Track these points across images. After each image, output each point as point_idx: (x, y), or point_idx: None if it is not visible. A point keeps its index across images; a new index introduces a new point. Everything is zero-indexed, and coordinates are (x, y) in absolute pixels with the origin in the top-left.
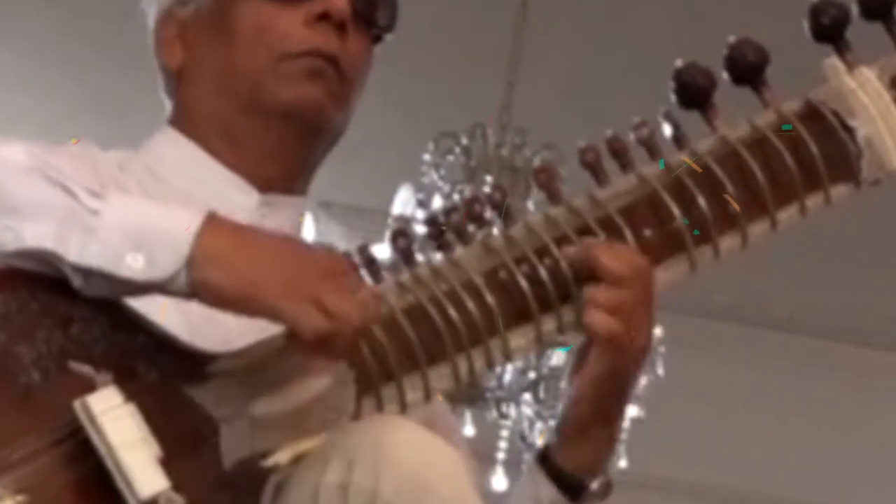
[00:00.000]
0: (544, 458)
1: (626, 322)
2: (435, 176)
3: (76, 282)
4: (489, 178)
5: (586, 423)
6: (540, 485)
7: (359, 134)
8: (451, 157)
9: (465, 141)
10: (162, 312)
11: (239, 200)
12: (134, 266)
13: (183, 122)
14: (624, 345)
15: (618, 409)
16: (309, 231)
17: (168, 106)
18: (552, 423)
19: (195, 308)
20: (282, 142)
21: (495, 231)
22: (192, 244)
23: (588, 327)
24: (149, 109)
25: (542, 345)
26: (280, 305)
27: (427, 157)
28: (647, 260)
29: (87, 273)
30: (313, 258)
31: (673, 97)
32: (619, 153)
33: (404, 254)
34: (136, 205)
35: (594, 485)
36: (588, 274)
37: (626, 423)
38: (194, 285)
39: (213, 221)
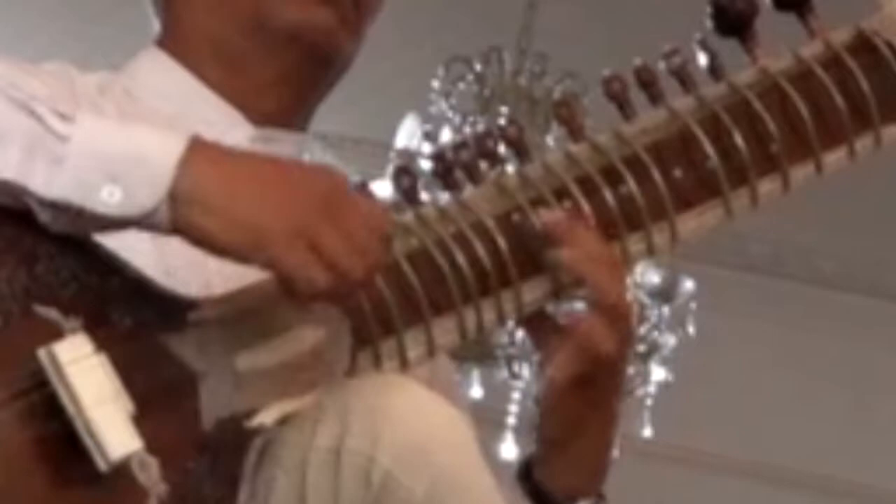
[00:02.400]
0: (525, 473)
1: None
2: (444, 105)
3: (42, 216)
4: (504, 110)
5: (561, 439)
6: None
7: (359, 56)
8: (462, 85)
9: (478, 67)
10: (137, 251)
11: (230, 134)
12: (109, 201)
13: (172, 43)
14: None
15: (599, 419)
16: None
17: (156, 24)
18: None
19: (175, 246)
20: (284, 71)
21: (510, 169)
22: (174, 175)
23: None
24: (125, 22)
25: (560, 298)
26: (278, 256)
27: (436, 83)
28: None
29: (55, 207)
30: (312, 186)
31: (709, 23)
32: (648, 84)
33: (408, 192)
34: (109, 129)
35: None
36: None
37: (651, 388)
38: (177, 224)
39: (198, 148)
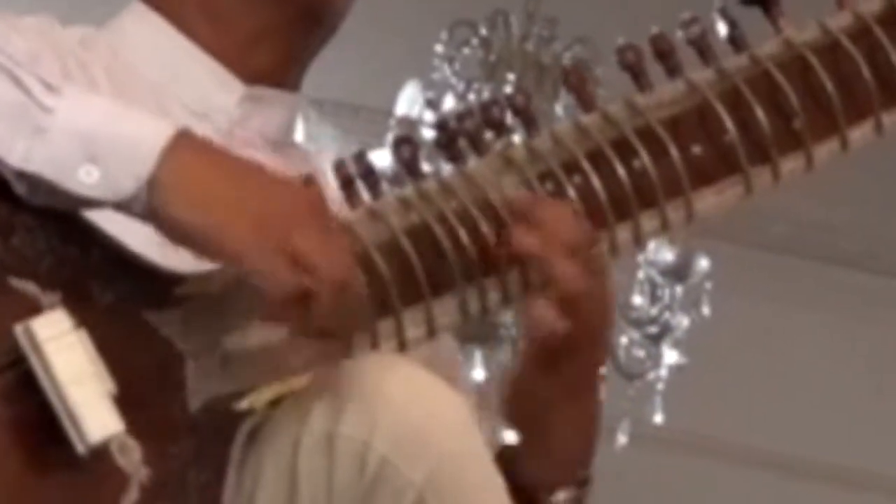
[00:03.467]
0: (500, 463)
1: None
2: (447, 71)
3: (19, 188)
4: (511, 77)
5: (532, 432)
6: None
7: (357, 18)
8: (466, 50)
9: (483, 31)
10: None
11: (219, 94)
12: (86, 180)
13: None
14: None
15: (571, 409)
16: (298, 133)
17: None
18: None
19: None
20: (274, 24)
21: (516, 140)
22: (156, 164)
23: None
24: None
25: None
26: (244, 252)
27: (439, 48)
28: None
29: (30, 180)
30: (289, 193)
31: None
32: (664, 54)
33: (408, 164)
34: (97, 105)
35: (559, 497)
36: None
37: (663, 372)
38: (152, 212)
39: (184, 138)
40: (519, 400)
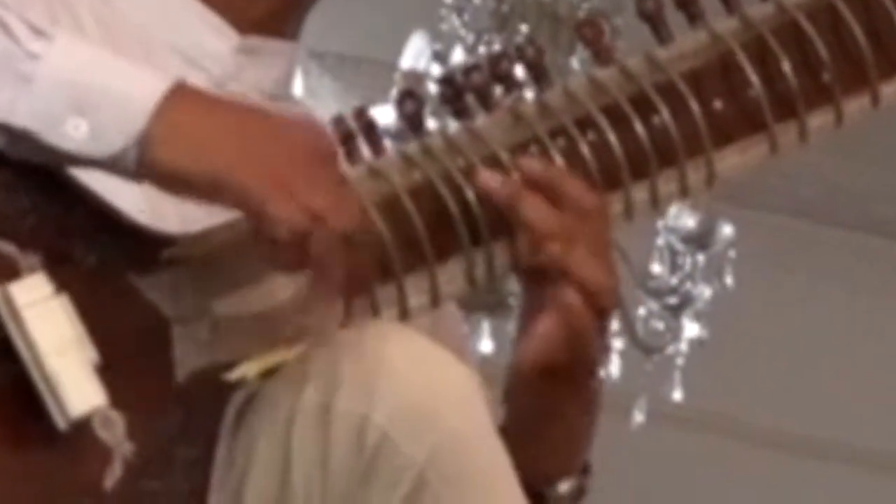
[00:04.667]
0: None
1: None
2: (456, 22)
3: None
4: (524, 29)
5: (532, 428)
6: None
7: None
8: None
9: None
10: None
11: (212, 40)
12: (73, 135)
13: None
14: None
15: (574, 404)
16: (297, 87)
17: None
18: None
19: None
20: None
21: (528, 96)
22: (150, 117)
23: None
24: None
25: None
26: (250, 188)
27: None
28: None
29: (12, 133)
30: (295, 136)
31: None
32: (686, 3)
33: (413, 119)
34: (87, 52)
35: (561, 489)
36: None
37: (682, 346)
38: (144, 165)
39: (179, 91)
40: (513, 402)
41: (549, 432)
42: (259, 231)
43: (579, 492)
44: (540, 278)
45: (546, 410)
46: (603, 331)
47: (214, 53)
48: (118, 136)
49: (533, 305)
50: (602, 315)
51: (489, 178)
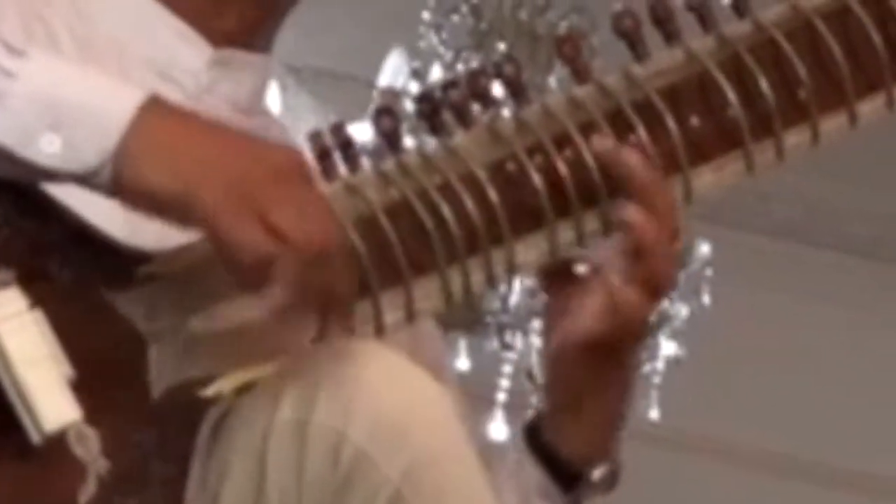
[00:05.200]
0: (532, 434)
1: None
2: (435, 40)
3: None
4: (502, 47)
5: (573, 405)
6: (526, 468)
7: None
8: (455, 17)
9: None
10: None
11: (186, 54)
12: (47, 150)
13: None
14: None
15: (616, 383)
16: (274, 102)
17: None
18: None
19: None
20: None
21: (505, 113)
22: (124, 134)
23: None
24: None
25: (557, 258)
26: (215, 210)
27: (426, 15)
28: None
29: None
30: (267, 155)
31: None
32: (663, 21)
33: (390, 136)
34: (62, 70)
35: (595, 474)
36: (614, 183)
37: (659, 364)
38: (116, 181)
39: (153, 107)
40: (556, 380)
41: (590, 412)
42: (220, 255)
43: (612, 477)
44: (569, 277)
45: (588, 388)
46: (660, 290)
47: (189, 67)
48: (92, 151)
49: (560, 303)
50: (673, 237)
51: (600, 143)
